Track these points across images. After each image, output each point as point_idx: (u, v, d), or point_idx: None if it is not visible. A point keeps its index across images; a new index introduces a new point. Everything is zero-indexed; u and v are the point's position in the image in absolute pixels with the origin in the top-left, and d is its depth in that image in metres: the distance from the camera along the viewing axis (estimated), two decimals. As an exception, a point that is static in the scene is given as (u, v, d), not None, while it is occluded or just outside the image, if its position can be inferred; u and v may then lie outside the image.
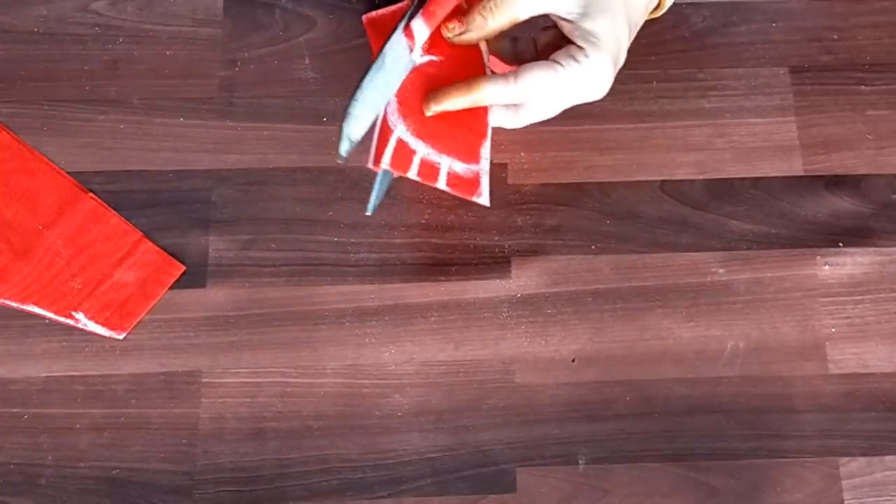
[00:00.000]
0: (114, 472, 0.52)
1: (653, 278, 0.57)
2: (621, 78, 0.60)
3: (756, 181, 0.58)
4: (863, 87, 0.60)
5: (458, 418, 0.54)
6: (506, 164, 0.58)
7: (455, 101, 0.46)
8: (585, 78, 0.45)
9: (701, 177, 0.59)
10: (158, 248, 0.56)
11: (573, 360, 0.55)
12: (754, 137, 0.59)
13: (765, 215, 0.58)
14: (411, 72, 0.48)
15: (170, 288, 0.55)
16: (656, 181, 0.58)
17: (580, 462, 0.53)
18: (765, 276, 0.57)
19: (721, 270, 0.57)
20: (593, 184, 0.58)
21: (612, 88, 0.59)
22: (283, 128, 0.59)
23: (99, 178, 0.57)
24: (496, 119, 0.48)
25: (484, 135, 0.48)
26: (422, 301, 0.56)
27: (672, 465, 0.53)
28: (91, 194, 0.57)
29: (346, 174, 0.58)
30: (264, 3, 0.61)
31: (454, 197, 0.58)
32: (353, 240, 0.57)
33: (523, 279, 0.56)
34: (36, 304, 0.54)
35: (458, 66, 0.48)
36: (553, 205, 0.58)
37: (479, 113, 0.48)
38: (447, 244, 0.57)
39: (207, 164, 0.58)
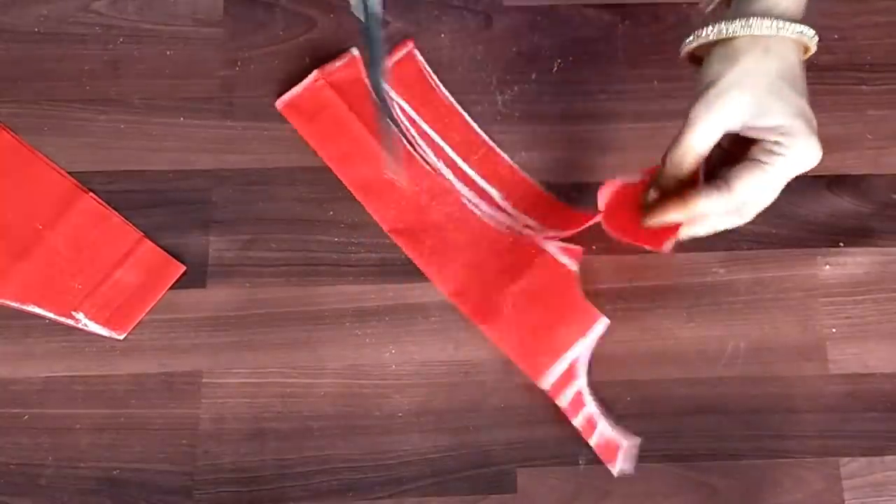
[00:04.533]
0: (114, 472, 0.52)
1: (653, 278, 0.56)
2: (622, 77, 0.60)
3: (756, 181, 0.58)
4: (863, 87, 0.60)
5: (459, 419, 0.54)
6: (506, 164, 0.58)
7: (672, 216, 0.46)
8: (795, 162, 0.44)
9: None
10: (158, 248, 0.56)
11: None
12: (755, 137, 0.59)
13: (765, 215, 0.57)
14: (620, 190, 0.50)
15: (170, 288, 0.55)
16: (657, 181, 0.58)
17: (580, 462, 0.53)
18: (765, 276, 0.57)
19: (721, 270, 0.57)
20: (594, 184, 0.58)
21: (612, 88, 0.60)
22: (283, 128, 0.58)
23: (99, 178, 0.57)
24: (719, 224, 0.47)
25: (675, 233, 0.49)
26: (422, 301, 0.56)
27: (672, 465, 0.53)
28: (91, 194, 0.56)
29: (347, 174, 0.58)
30: (264, 2, 0.61)
31: (454, 197, 0.58)
32: (353, 240, 0.57)
33: (523, 279, 0.56)
34: (36, 304, 0.54)
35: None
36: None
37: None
38: (447, 244, 0.57)
39: (207, 164, 0.58)
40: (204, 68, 0.59)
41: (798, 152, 0.43)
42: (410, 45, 0.59)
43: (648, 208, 0.48)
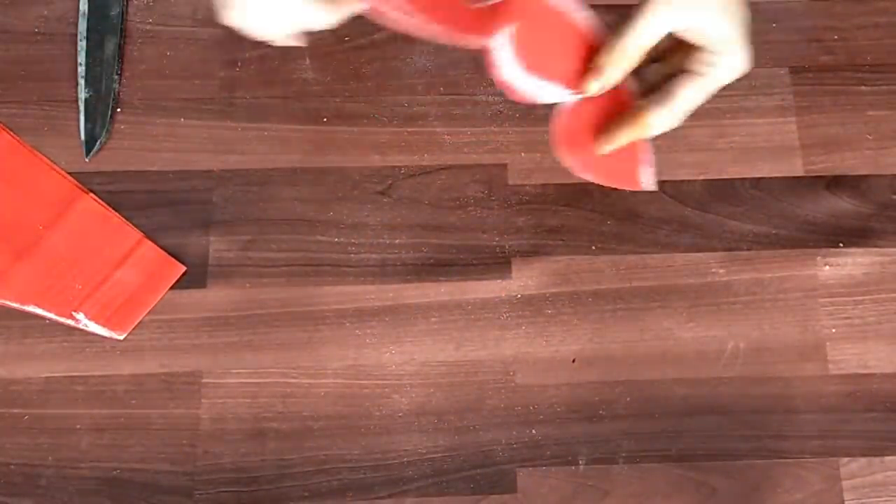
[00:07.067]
0: (114, 472, 0.52)
1: (653, 278, 0.57)
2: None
3: (756, 181, 0.59)
4: (863, 87, 0.60)
5: (459, 419, 0.54)
6: (506, 165, 0.58)
7: (626, 136, 0.47)
8: (730, 71, 0.45)
9: (701, 177, 0.59)
10: (159, 249, 0.56)
11: (573, 361, 0.55)
12: (755, 138, 0.59)
13: (765, 216, 0.58)
14: (570, 112, 0.48)
15: (170, 288, 0.55)
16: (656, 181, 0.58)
17: (580, 462, 0.53)
18: (765, 277, 0.57)
19: (721, 271, 0.57)
20: (593, 184, 0.58)
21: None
22: (284, 128, 0.59)
23: (99, 178, 0.57)
24: (658, 129, 0.48)
25: (641, 161, 0.48)
26: (422, 301, 0.56)
27: (672, 465, 0.54)
28: (91, 194, 0.56)
29: (347, 174, 0.58)
30: (264, 3, 0.61)
31: (454, 197, 0.58)
32: (353, 240, 0.57)
33: (523, 279, 0.56)
34: (36, 304, 0.54)
35: (609, 96, 0.48)
36: (553, 205, 0.58)
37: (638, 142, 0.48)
38: (447, 244, 0.57)
39: (208, 164, 0.58)
40: (204, 68, 0.59)
41: (733, 63, 0.45)
42: None
43: (598, 136, 0.48)
